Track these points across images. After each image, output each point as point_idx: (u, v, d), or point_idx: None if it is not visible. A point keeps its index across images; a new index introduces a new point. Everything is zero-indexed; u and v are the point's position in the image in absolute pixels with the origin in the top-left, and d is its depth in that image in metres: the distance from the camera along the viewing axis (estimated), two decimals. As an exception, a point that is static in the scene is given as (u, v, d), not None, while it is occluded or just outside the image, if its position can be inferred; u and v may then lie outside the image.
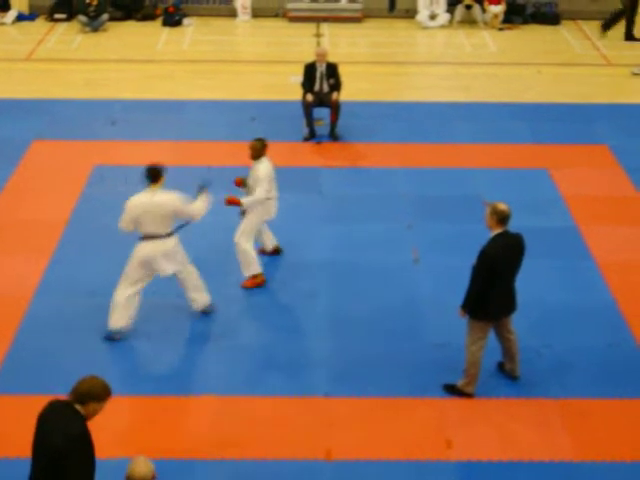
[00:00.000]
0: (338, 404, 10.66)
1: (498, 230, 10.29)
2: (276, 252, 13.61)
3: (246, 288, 12.82)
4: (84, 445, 7.44)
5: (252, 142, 12.65)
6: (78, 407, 7.44)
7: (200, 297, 12.03)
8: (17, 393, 10.66)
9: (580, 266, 13.47)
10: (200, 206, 11.74)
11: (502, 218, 10.28)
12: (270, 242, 13.57)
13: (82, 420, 7.45)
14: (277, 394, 10.80)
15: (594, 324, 12.18)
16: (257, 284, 12.86)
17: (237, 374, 11.16)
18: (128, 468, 7.26)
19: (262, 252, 13.46)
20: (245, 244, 12.72)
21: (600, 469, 9.75)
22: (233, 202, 12.52)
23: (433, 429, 10.28)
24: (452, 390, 10.78)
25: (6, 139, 17.25)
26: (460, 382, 10.76)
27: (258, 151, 12.62)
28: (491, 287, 10.18)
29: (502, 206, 10.30)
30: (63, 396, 7.57)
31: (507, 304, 10.56)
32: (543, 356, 11.48)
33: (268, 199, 12.70)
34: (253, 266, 12.80)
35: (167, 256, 11.56)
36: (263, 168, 12.57)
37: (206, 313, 12.09)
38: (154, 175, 11.43)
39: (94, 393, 7.44)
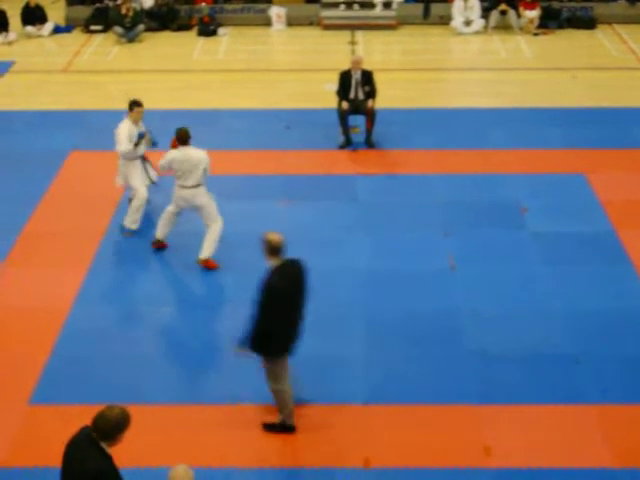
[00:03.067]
0: (376, 412, 10.65)
1: (275, 261, 9.73)
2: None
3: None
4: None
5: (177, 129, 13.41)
6: (103, 444, 7.45)
7: None
8: (56, 403, 10.74)
9: (618, 272, 13.37)
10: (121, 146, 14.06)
11: (273, 248, 9.69)
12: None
13: (103, 454, 7.45)
14: (315, 402, 10.79)
15: (633, 330, 12.09)
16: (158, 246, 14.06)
17: (275, 382, 11.17)
18: (168, 476, 7.29)
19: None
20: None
21: (641, 476, 9.70)
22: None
23: (471, 436, 10.25)
24: (274, 428, 10.32)
25: (44, 150, 17.38)
26: (280, 418, 10.33)
27: (179, 138, 13.31)
28: (283, 321, 9.77)
29: (272, 236, 9.71)
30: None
31: (299, 337, 10.09)
32: (581, 363, 11.41)
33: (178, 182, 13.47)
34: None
35: None
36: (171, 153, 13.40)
37: None
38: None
39: (119, 425, 7.44)
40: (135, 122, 14.26)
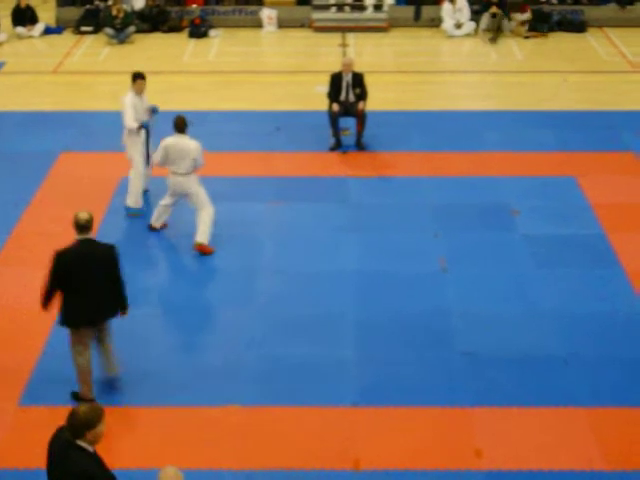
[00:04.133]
0: (366, 414, 10.65)
1: (78, 236, 10.41)
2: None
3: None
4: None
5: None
6: (79, 442, 7.42)
7: None
8: (47, 404, 10.71)
9: (608, 274, 13.39)
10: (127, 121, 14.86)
11: (75, 224, 10.38)
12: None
13: (84, 455, 7.42)
14: (305, 404, 10.79)
15: (623, 333, 12.11)
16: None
17: (264, 384, 11.16)
18: (158, 477, 7.27)
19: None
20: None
21: (631, 478, 9.68)
22: None
23: (462, 438, 10.25)
24: (76, 398, 10.69)
25: (34, 151, 17.34)
26: (81, 391, 10.72)
27: (175, 125, 13.94)
28: (71, 293, 10.35)
29: (78, 214, 10.39)
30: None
31: (94, 312, 10.58)
32: (571, 365, 11.42)
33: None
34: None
35: None
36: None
37: None
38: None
39: (87, 423, 7.38)
40: (138, 93, 14.99)
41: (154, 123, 15.30)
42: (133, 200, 15.13)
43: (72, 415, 7.41)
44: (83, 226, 10.37)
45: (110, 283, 10.57)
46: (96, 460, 7.51)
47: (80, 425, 7.37)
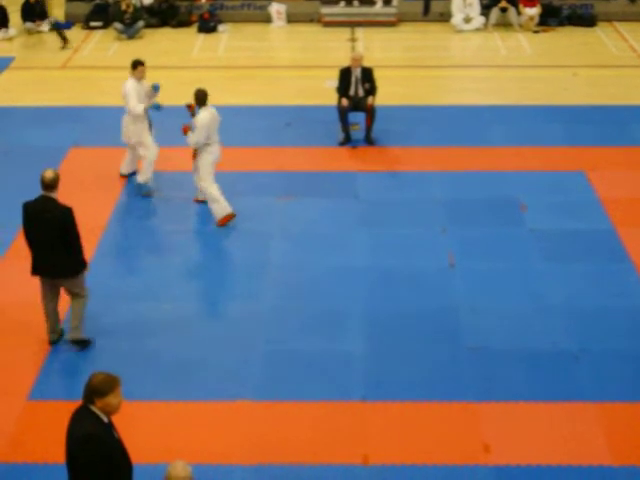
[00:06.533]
0: (375, 409, 10.65)
1: (42, 192, 11.26)
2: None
3: (221, 226, 14.35)
4: (96, 444, 7.44)
5: (196, 90, 14.22)
6: (92, 407, 7.52)
7: None
8: (56, 399, 10.73)
9: (618, 269, 13.37)
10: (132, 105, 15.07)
11: (41, 182, 11.21)
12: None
13: (93, 420, 7.49)
14: (314, 399, 10.79)
15: (632, 328, 12.09)
16: (229, 220, 14.33)
17: (273, 380, 11.17)
18: (166, 473, 7.28)
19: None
20: (209, 188, 14.22)
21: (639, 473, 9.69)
22: (185, 130, 14.16)
23: (470, 433, 10.25)
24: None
25: (44, 146, 17.36)
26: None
27: (200, 99, 14.13)
28: (31, 242, 11.35)
29: (44, 172, 11.21)
30: None
31: (45, 265, 11.36)
32: (580, 360, 11.41)
33: (208, 144, 14.12)
34: (223, 208, 14.25)
35: None
36: (201, 117, 14.02)
37: None
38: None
39: (96, 390, 7.49)
40: (139, 80, 15.35)
41: (156, 99, 15.60)
42: (145, 177, 15.39)
43: (88, 380, 7.56)
44: (46, 184, 11.19)
45: (63, 242, 11.17)
46: (107, 428, 7.56)
47: (90, 391, 7.51)
